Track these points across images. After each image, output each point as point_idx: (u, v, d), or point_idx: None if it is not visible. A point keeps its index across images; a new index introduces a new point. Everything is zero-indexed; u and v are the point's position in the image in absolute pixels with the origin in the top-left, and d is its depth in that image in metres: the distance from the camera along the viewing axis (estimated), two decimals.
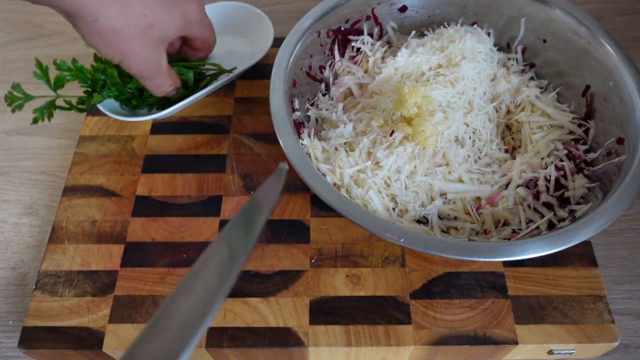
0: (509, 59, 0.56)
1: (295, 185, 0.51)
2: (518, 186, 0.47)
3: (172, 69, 0.52)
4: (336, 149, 0.47)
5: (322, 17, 0.52)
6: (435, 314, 0.44)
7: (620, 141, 0.45)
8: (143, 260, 0.47)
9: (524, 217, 0.45)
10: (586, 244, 0.47)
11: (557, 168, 0.47)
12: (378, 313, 0.44)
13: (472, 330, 0.43)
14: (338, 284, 0.45)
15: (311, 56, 0.53)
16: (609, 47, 0.48)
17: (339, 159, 0.46)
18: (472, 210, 0.46)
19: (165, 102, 0.55)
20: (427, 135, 0.45)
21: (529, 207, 0.46)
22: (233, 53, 0.63)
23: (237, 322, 0.43)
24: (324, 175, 0.44)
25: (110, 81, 0.52)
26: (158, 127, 0.56)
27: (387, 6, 0.57)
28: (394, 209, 0.45)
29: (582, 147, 0.49)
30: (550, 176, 0.47)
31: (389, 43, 0.59)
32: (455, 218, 0.47)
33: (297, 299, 0.44)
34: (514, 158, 0.49)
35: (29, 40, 0.73)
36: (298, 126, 0.49)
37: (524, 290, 0.45)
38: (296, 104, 0.51)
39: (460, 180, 0.47)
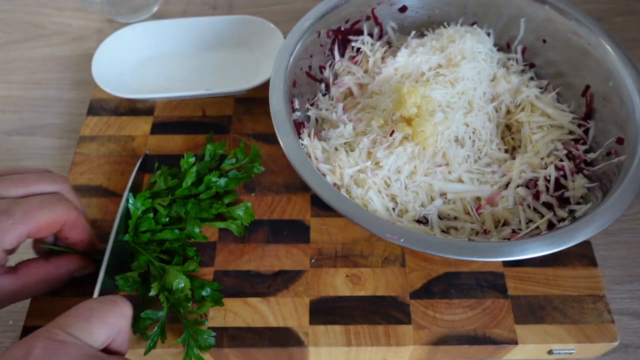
0: (509, 59, 0.56)
1: (295, 185, 0.51)
2: (518, 186, 0.47)
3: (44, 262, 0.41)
4: (336, 149, 0.48)
5: (322, 17, 0.52)
6: (435, 313, 0.44)
7: (620, 141, 0.45)
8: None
9: (524, 217, 0.45)
10: (586, 244, 0.47)
11: (557, 168, 0.47)
12: (378, 313, 0.44)
13: (472, 330, 0.43)
14: (338, 284, 0.45)
15: (311, 56, 0.53)
16: (608, 47, 0.48)
17: (339, 159, 0.46)
18: (472, 210, 0.46)
19: None
20: (427, 135, 0.45)
21: (529, 207, 0.46)
22: (244, 66, 0.63)
23: (237, 322, 0.43)
24: (324, 175, 0.44)
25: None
26: (158, 127, 0.56)
27: (387, 6, 0.57)
28: (394, 209, 0.45)
29: (582, 147, 0.49)
30: (550, 176, 0.47)
31: (389, 43, 0.59)
32: (455, 218, 0.47)
33: (297, 299, 0.45)
34: (514, 158, 0.49)
35: (29, 40, 0.73)
36: (298, 126, 0.49)
37: (523, 290, 0.45)
38: (296, 104, 0.51)
39: (460, 180, 0.47)
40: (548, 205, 0.46)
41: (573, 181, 0.47)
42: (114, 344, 0.36)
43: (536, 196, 0.46)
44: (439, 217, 0.47)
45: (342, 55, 0.56)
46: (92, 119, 0.57)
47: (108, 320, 0.35)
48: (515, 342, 0.42)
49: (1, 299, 0.39)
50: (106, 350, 0.35)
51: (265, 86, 0.51)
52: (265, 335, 0.43)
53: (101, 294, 0.41)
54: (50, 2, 0.77)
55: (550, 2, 0.52)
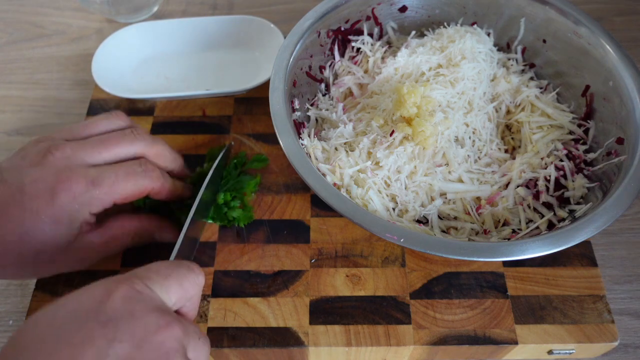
0: (509, 59, 0.56)
1: (295, 185, 0.51)
2: (518, 186, 0.47)
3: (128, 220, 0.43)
4: (336, 149, 0.48)
5: (322, 17, 0.52)
6: (435, 313, 0.44)
7: (620, 141, 0.45)
8: (143, 260, 0.47)
9: (524, 217, 0.45)
10: (586, 244, 0.47)
11: (557, 168, 0.47)
12: (378, 313, 0.44)
13: (472, 330, 0.43)
14: (338, 284, 0.45)
15: (311, 56, 0.53)
16: (608, 47, 0.48)
17: (339, 159, 0.46)
18: (472, 210, 0.46)
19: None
20: (427, 135, 0.45)
21: (529, 207, 0.46)
22: (244, 66, 0.63)
23: (237, 322, 0.43)
24: (324, 175, 0.44)
25: None
26: (158, 127, 0.56)
27: (387, 6, 0.57)
28: (394, 209, 0.45)
29: (582, 147, 0.49)
30: (550, 176, 0.47)
31: (389, 43, 0.59)
32: (455, 218, 0.47)
33: (297, 299, 0.45)
34: (514, 158, 0.49)
35: (29, 40, 0.73)
36: (298, 126, 0.49)
37: (523, 290, 0.45)
38: (296, 104, 0.51)
39: (460, 180, 0.47)
40: (548, 205, 0.46)
41: (573, 181, 0.47)
42: (183, 310, 0.36)
43: (536, 196, 0.46)
44: (439, 217, 0.47)
45: (342, 55, 0.56)
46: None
47: (184, 284, 0.35)
48: (515, 342, 0.42)
49: (93, 253, 0.41)
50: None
51: (265, 86, 0.51)
52: (265, 335, 0.43)
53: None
54: (50, 2, 0.77)
55: (550, 2, 0.52)
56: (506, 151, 0.51)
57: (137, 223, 0.44)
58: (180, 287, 0.34)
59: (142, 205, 0.47)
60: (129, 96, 0.55)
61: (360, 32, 0.57)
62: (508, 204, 0.46)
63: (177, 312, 0.36)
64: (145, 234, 0.45)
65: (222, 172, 0.51)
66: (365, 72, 0.55)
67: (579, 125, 0.50)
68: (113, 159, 0.41)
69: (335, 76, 0.56)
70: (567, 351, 0.43)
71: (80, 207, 0.38)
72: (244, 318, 0.44)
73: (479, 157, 0.49)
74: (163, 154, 0.44)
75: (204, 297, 0.45)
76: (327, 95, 0.55)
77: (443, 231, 0.46)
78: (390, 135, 0.46)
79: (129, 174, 0.40)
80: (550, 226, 0.45)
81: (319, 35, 0.53)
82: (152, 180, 0.41)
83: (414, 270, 0.46)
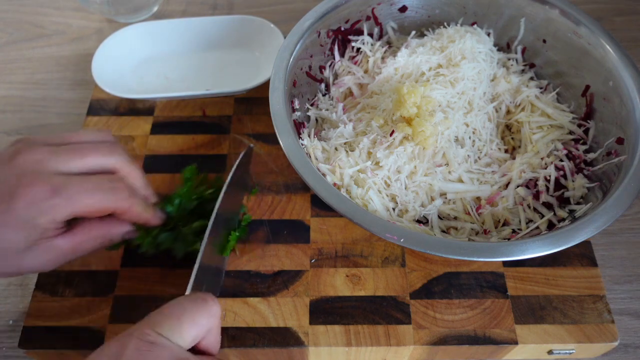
0: (509, 59, 0.56)
1: (295, 185, 0.51)
2: (518, 186, 0.47)
3: (83, 230, 0.41)
4: (336, 149, 0.48)
5: (322, 17, 0.52)
6: (435, 313, 0.44)
7: (620, 141, 0.45)
8: (143, 260, 0.47)
9: (524, 217, 0.45)
10: (586, 244, 0.47)
11: (557, 168, 0.47)
12: (378, 313, 0.44)
13: (472, 330, 0.43)
14: (338, 284, 0.45)
15: (311, 56, 0.53)
16: (608, 47, 0.48)
17: (339, 159, 0.46)
18: (472, 210, 0.46)
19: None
20: (427, 135, 0.45)
21: (529, 207, 0.46)
22: (244, 66, 0.63)
23: (237, 322, 0.43)
24: (324, 175, 0.44)
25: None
26: (158, 127, 0.56)
27: (387, 6, 0.57)
28: (394, 209, 0.45)
29: (582, 147, 0.49)
30: (550, 176, 0.47)
31: (389, 43, 0.59)
32: (455, 218, 0.47)
33: (297, 299, 0.45)
34: (514, 158, 0.49)
35: (29, 40, 0.73)
36: (298, 126, 0.49)
37: (523, 290, 0.45)
38: (296, 104, 0.51)
39: (460, 180, 0.47)
40: (548, 205, 0.46)
41: (573, 181, 0.47)
42: (203, 342, 0.36)
43: (536, 196, 0.46)
44: (439, 217, 0.47)
45: (342, 55, 0.56)
46: (92, 119, 0.57)
47: (198, 320, 0.35)
48: (515, 342, 0.42)
49: (60, 256, 0.40)
50: (195, 349, 0.36)
51: (265, 86, 0.51)
52: (265, 335, 0.43)
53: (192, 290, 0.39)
54: (50, 2, 0.77)
55: (550, 2, 0.52)
56: (506, 151, 0.51)
57: (106, 227, 0.42)
58: (194, 324, 0.34)
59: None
60: (129, 96, 0.55)
61: (360, 32, 0.57)
62: (508, 204, 0.46)
63: (196, 347, 0.36)
64: (115, 237, 0.43)
65: (247, 179, 0.49)
66: (365, 72, 0.55)
67: (579, 125, 0.50)
68: (85, 169, 0.39)
69: (335, 76, 0.56)
70: (567, 351, 0.43)
71: (38, 214, 0.36)
72: (244, 318, 0.44)
73: (479, 157, 0.49)
74: (136, 174, 0.43)
75: None
76: (327, 95, 0.55)
77: (443, 231, 0.46)
78: (390, 135, 0.46)
79: (95, 188, 0.38)
80: (550, 226, 0.45)
81: (319, 35, 0.53)
82: (118, 200, 0.39)
83: (414, 270, 0.46)
